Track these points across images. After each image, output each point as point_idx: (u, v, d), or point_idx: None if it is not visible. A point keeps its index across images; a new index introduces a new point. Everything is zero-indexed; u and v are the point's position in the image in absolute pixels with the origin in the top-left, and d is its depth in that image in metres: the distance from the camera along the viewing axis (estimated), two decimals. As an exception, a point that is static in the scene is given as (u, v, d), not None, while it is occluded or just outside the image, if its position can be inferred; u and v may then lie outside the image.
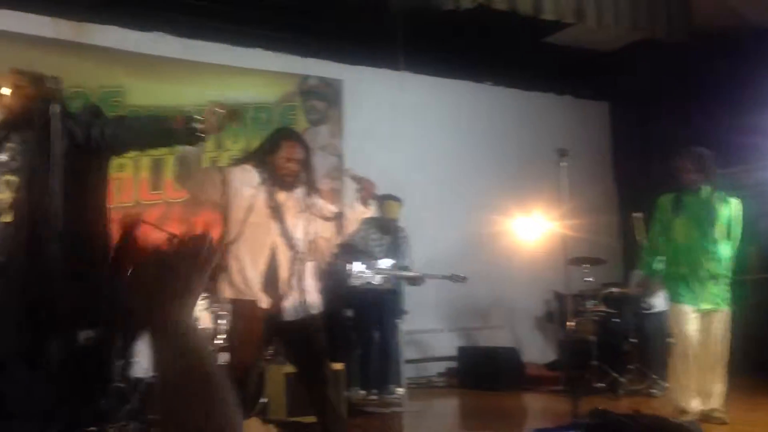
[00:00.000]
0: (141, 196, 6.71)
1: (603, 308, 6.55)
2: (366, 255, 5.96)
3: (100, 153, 3.10)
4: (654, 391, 6.08)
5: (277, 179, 3.49)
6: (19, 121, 2.96)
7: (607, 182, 9.17)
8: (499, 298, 7.92)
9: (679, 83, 8.23)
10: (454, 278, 5.93)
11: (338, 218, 3.69)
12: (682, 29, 7.56)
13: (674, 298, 4.81)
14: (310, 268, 3.57)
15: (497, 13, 7.06)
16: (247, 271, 3.41)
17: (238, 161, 3.65)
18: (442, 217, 7.69)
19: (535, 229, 6.96)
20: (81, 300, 2.86)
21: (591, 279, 6.55)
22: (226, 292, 3.48)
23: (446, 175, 7.99)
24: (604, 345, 6.30)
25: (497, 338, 7.68)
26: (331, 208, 3.73)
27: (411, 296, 6.36)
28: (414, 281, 6.08)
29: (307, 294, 3.50)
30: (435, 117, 8.23)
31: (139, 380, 4.30)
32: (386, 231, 6.20)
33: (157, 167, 6.79)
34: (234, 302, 3.49)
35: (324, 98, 7.84)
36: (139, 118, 3.44)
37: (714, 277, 4.71)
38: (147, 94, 6.82)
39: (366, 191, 3.72)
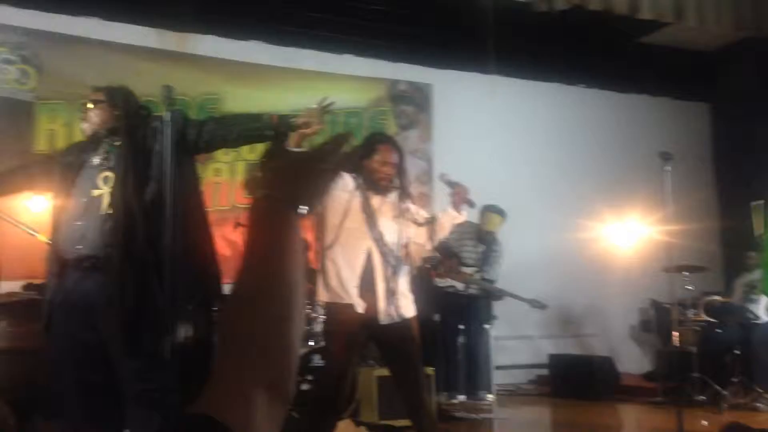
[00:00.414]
0: (236, 199, 6.91)
1: (704, 318, 6.30)
2: (457, 258, 5.95)
3: (196, 151, 3.19)
4: (760, 405, 5.81)
5: (371, 183, 3.51)
6: (111, 130, 3.10)
7: (707, 187, 8.81)
8: (592, 306, 7.75)
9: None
10: (534, 304, 5.80)
11: (430, 223, 3.70)
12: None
13: None
14: (404, 273, 3.58)
15: (592, 14, 6.93)
16: (342, 274, 3.45)
17: None
18: (532, 221, 7.57)
19: (630, 234, 6.78)
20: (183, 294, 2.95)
21: (691, 287, 6.31)
22: (322, 295, 3.53)
23: (537, 179, 7.87)
24: (706, 356, 6.05)
25: (590, 346, 7.52)
26: (423, 213, 3.75)
27: (501, 302, 6.30)
28: (493, 296, 6.01)
29: (401, 298, 3.51)
30: (526, 120, 8.12)
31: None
32: (482, 240, 6.17)
33: (252, 171, 6.99)
34: (330, 305, 3.53)
35: (413, 103, 7.88)
36: (233, 116, 3.55)
37: None
38: (244, 100, 7.02)
39: (459, 196, 3.71)
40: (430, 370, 5.06)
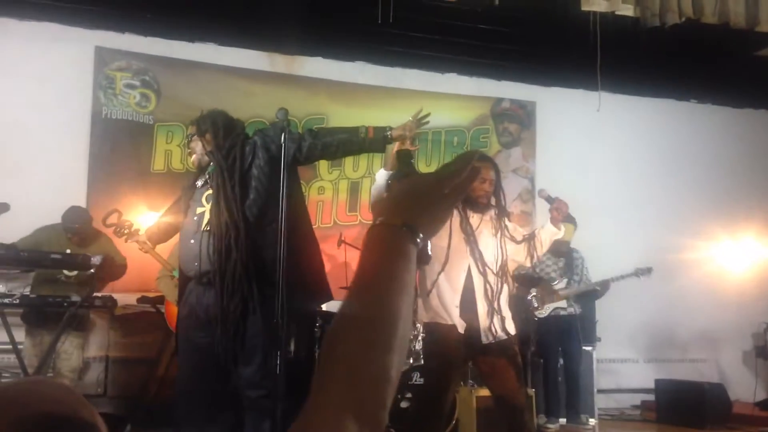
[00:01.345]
0: (338, 217, 7.09)
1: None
2: (544, 280, 5.90)
3: (296, 164, 3.31)
4: None
5: (470, 202, 3.55)
6: (209, 153, 3.28)
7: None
8: (701, 329, 7.45)
9: None
10: (638, 272, 5.68)
11: (528, 241, 3.70)
12: None
13: None
14: (504, 292, 3.59)
15: (705, 27, 6.71)
16: (444, 294, 3.49)
17: None
18: (637, 240, 7.38)
19: (745, 255, 6.51)
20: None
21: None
22: (423, 315, 3.58)
23: (643, 197, 7.67)
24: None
25: (698, 372, 7.22)
26: (521, 231, 3.76)
27: (606, 324, 6.19)
28: (594, 292, 5.90)
29: (501, 317, 3.52)
30: (631, 137, 7.95)
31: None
32: (559, 254, 6.07)
33: (354, 190, 7.16)
34: (431, 325, 3.56)
35: (517, 120, 7.86)
36: (330, 129, 3.67)
37: None
38: (348, 120, 7.18)
39: (557, 211, 3.71)
40: (530, 392, 5.05)
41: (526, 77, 7.76)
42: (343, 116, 7.20)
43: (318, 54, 7.18)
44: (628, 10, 6.44)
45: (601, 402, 6.10)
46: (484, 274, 3.51)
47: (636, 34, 6.87)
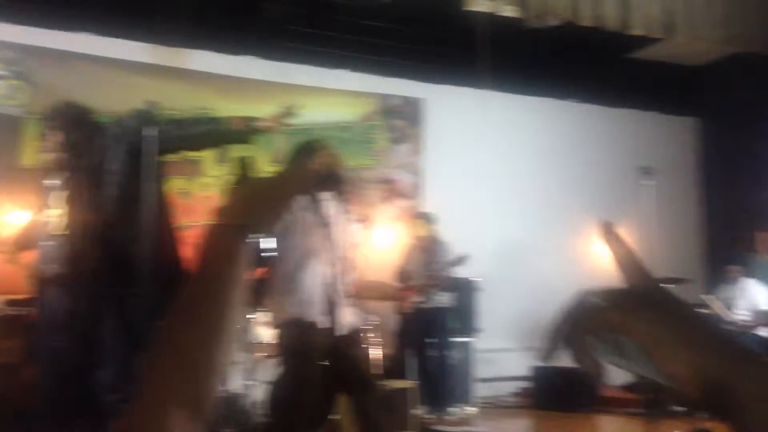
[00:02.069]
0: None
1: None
2: (408, 275, 6.04)
3: (159, 156, 3.18)
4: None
5: (324, 192, 3.58)
6: (66, 149, 3.18)
7: (694, 200, 8.88)
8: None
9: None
10: (457, 261, 5.87)
11: (365, 226, 3.76)
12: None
13: None
14: (349, 282, 3.62)
15: (583, 30, 7.00)
16: (302, 290, 3.47)
17: None
18: (521, 235, 7.66)
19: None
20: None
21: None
22: (281, 312, 3.56)
23: (528, 194, 7.96)
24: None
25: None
26: (358, 226, 3.81)
27: (486, 315, 6.39)
28: (449, 286, 6.05)
29: (348, 308, 3.55)
30: (517, 135, 8.21)
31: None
32: (422, 249, 6.21)
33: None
34: (289, 322, 3.52)
35: (405, 117, 7.98)
36: (194, 118, 3.60)
37: None
38: (236, 115, 7.13)
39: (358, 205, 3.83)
40: (411, 384, 5.16)
41: (414, 74, 7.88)
42: (231, 111, 7.07)
43: (205, 47, 7.06)
44: (509, 11, 6.63)
45: (482, 391, 6.29)
46: (337, 266, 3.54)
47: (520, 34, 7.11)
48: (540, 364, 6.66)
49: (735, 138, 8.40)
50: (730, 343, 0.57)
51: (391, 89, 7.90)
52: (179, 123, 3.25)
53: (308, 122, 7.40)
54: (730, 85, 8.41)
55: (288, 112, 3.25)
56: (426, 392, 5.59)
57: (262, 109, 7.08)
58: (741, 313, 6.56)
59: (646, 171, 5.59)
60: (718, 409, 0.55)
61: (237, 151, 3.33)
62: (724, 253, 7.64)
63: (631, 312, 0.59)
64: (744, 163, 8.21)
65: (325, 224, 3.54)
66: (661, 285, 0.60)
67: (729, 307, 6.60)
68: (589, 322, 0.59)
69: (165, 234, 3.20)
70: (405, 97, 7.97)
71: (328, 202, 3.59)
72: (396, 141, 7.91)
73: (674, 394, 0.55)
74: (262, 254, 0.99)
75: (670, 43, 7.51)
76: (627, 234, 0.65)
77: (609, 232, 0.63)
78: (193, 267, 0.95)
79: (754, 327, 6.46)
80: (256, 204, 1.00)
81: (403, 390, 4.92)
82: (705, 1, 7.08)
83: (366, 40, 7.46)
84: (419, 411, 5.34)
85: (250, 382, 4.76)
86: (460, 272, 6.18)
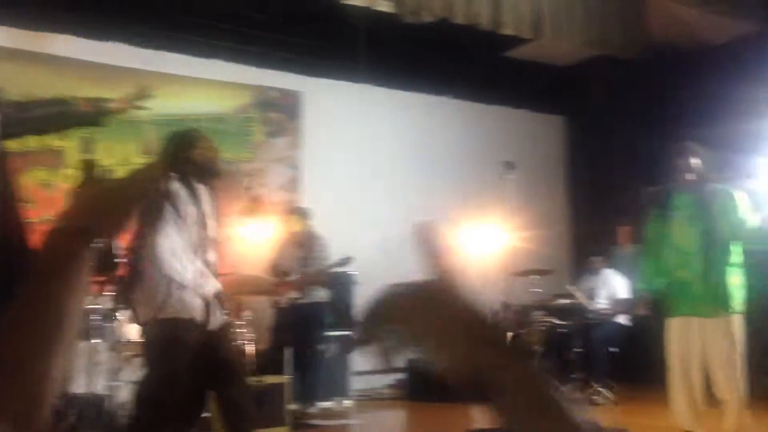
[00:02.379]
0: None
1: (550, 318, 6.67)
2: (281, 270, 5.99)
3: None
4: (596, 398, 6.22)
5: (191, 181, 3.55)
6: None
7: (560, 195, 9.31)
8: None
9: (635, 98, 8.38)
10: (342, 262, 5.93)
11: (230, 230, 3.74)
12: (637, 45, 7.72)
13: (668, 308, 4.28)
14: (216, 278, 3.58)
15: (458, 28, 7.15)
16: (172, 284, 3.39)
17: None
18: (394, 228, 7.75)
19: (486, 241, 7.06)
20: None
21: (539, 290, 6.66)
22: (153, 312, 3.43)
23: (400, 187, 8.07)
24: (550, 354, 6.41)
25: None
26: (233, 219, 3.80)
27: (361, 309, 6.42)
28: (327, 280, 6.06)
29: (216, 301, 3.52)
30: (394, 130, 8.31)
31: (74, 397, 4.32)
32: (297, 243, 6.14)
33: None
34: (166, 321, 3.42)
35: (283, 110, 7.88)
36: (38, 100, 3.39)
37: (715, 279, 4.11)
38: (84, 96, 6.79)
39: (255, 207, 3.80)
40: (286, 379, 5.12)
41: (292, 67, 7.81)
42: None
43: (69, 31, 6.68)
44: (385, 6, 6.68)
45: (358, 384, 6.33)
46: (209, 260, 3.51)
47: (397, 29, 7.18)
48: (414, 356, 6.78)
49: (597, 136, 8.87)
50: (496, 337, 0.62)
51: (268, 81, 7.78)
52: (22, 105, 3.04)
53: (181, 113, 7.20)
54: (593, 86, 8.88)
55: (140, 94, 3.11)
56: (302, 387, 5.56)
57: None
58: (602, 302, 6.93)
59: (509, 166, 5.78)
60: (482, 396, 0.60)
61: (88, 133, 3.15)
62: (588, 245, 8.06)
63: (414, 303, 0.63)
64: (606, 160, 8.68)
65: (198, 217, 3.47)
66: (451, 281, 0.65)
67: (591, 297, 6.95)
68: (383, 312, 0.63)
69: (10, 227, 2.98)
70: (282, 90, 7.88)
71: (203, 195, 3.53)
72: (273, 134, 7.81)
73: (446, 379, 0.60)
74: (115, 257, 0.99)
75: (539, 43, 7.81)
76: (450, 232, 0.69)
77: (422, 231, 0.67)
78: (33, 271, 0.92)
79: (614, 315, 6.85)
80: (99, 208, 0.98)
81: (278, 385, 4.88)
82: (568, 4, 7.39)
83: (242, 31, 7.32)
84: (294, 406, 5.32)
85: (115, 383, 4.57)
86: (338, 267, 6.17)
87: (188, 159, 3.53)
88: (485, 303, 0.66)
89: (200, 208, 3.50)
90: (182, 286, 3.38)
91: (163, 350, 3.43)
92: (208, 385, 3.54)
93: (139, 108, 3.04)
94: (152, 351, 3.46)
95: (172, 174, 3.46)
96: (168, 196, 3.39)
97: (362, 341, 0.63)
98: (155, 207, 3.35)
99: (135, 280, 3.42)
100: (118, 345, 4.71)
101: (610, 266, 7.25)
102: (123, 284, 3.48)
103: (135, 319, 3.59)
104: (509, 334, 5.54)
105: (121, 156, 6.85)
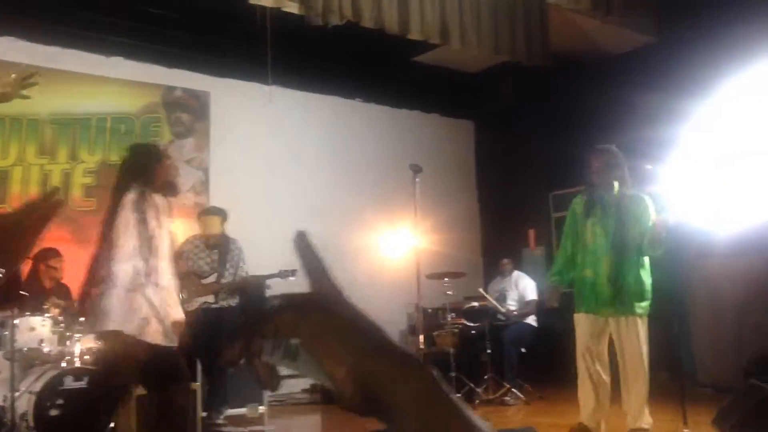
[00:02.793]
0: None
1: (462, 321, 6.74)
2: (195, 275, 5.77)
3: None
4: (508, 399, 6.32)
5: (150, 196, 3.64)
6: None
7: (470, 198, 9.47)
8: (364, 311, 7.97)
9: (542, 104, 8.63)
10: (283, 274, 5.81)
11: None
12: (541, 54, 7.94)
13: (576, 306, 4.37)
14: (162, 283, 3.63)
15: (367, 31, 7.15)
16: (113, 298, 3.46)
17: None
18: (308, 229, 7.67)
19: (398, 244, 7.09)
20: None
21: (451, 292, 6.73)
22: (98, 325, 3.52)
23: (309, 190, 8.00)
24: (462, 356, 6.49)
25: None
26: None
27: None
28: (248, 289, 5.92)
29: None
30: (303, 132, 8.24)
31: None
32: (213, 246, 5.93)
33: (2, 179, 6.41)
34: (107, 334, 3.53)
35: (190, 110, 7.67)
36: None
37: (623, 280, 4.22)
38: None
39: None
40: (196, 386, 4.96)
41: (199, 67, 7.61)
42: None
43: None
44: (292, 8, 6.60)
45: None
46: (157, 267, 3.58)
47: (305, 31, 7.11)
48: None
49: (506, 141, 9.09)
50: (390, 349, 0.59)
51: (173, 81, 7.55)
52: None
53: (79, 112, 6.88)
54: (501, 92, 9.08)
55: (22, 80, 2.95)
56: (214, 393, 5.40)
57: (33, 100, 6.53)
58: (512, 304, 7.07)
59: (417, 169, 5.84)
60: (375, 412, 0.57)
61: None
62: (498, 248, 8.23)
63: (299, 314, 0.59)
64: (514, 165, 8.90)
65: (157, 230, 3.58)
66: (336, 291, 0.62)
67: (502, 299, 7.08)
68: (262, 323, 0.59)
69: None
70: (188, 90, 7.66)
71: (157, 207, 3.61)
72: (180, 135, 7.58)
73: (335, 395, 0.56)
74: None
75: (447, 49, 7.92)
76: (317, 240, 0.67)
77: (300, 241, 0.64)
78: None
79: (524, 316, 7.00)
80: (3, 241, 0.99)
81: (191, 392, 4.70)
82: (474, 12, 7.53)
83: (146, 28, 7.08)
84: (204, 413, 5.16)
85: (13, 393, 4.31)
86: (247, 269, 6.02)
87: (152, 173, 3.66)
88: (370, 312, 0.63)
89: (159, 221, 3.59)
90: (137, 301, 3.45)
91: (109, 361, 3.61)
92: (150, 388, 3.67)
93: (24, 97, 2.86)
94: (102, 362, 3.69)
95: (135, 187, 3.57)
96: (134, 210, 3.50)
97: (238, 356, 0.57)
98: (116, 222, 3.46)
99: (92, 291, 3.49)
100: (15, 354, 4.43)
101: (519, 268, 7.41)
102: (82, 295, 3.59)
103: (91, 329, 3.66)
104: (421, 338, 5.57)
105: (17, 156, 6.49)
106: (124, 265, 3.43)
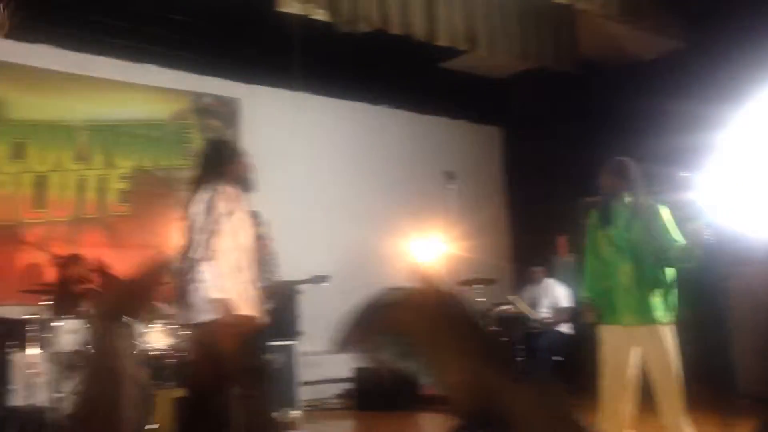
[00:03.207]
0: (24, 214, 6.36)
1: (492, 328, 6.70)
2: None
3: None
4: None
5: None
6: None
7: (499, 205, 9.45)
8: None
9: (569, 110, 8.61)
10: (315, 280, 5.88)
11: None
12: (569, 59, 7.94)
13: (601, 317, 4.29)
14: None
15: (394, 38, 7.18)
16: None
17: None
18: (333, 237, 7.72)
19: (429, 250, 7.08)
20: None
21: (483, 299, 6.70)
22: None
23: (339, 196, 8.03)
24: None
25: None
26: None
27: (306, 318, 6.32)
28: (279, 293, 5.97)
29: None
30: (331, 138, 8.27)
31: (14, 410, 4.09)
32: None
33: (41, 184, 6.48)
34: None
35: (220, 117, 7.72)
36: None
37: (642, 290, 4.15)
38: (33, 108, 6.53)
39: None
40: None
41: (229, 74, 7.67)
42: (27, 104, 6.52)
43: (-7, 33, 6.37)
44: (321, 15, 6.65)
45: (305, 394, 6.22)
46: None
47: (334, 38, 7.15)
48: (361, 365, 6.71)
49: (534, 147, 9.05)
50: (507, 361, 0.59)
51: (204, 88, 7.62)
52: None
53: (114, 118, 6.96)
54: (528, 97, 9.07)
55: None
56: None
57: (61, 102, 6.63)
58: (544, 312, 7.04)
59: (450, 175, 5.81)
60: (483, 423, 0.57)
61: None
62: (527, 255, 8.19)
63: (417, 313, 0.59)
64: (542, 170, 8.86)
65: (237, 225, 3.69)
66: (454, 295, 0.62)
67: (533, 306, 7.05)
68: (379, 319, 0.59)
69: None
70: (219, 97, 7.72)
71: (233, 201, 3.70)
72: (211, 141, 7.62)
73: (448, 402, 0.56)
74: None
75: (474, 55, 7.93)
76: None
77: (418, 271, 0.64)
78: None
79: (556, 324, 6.96)
80: (123, 300, 1.20)
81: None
82: (502, 18, 7.54)
83: (177, 36, 7.15)
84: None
85: (56, 395, 4.35)
86: (282, 276, 6.04)
87: (229, 168, 3.80)
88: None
89: (235, 215, 3.68)
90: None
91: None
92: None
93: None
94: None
95: (212, 181, 3.66)
96: (211, 203, 3.59)
97: (348, 344, 0.58)
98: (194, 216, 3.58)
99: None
100: (57, 355, 4.48)
101: (550, 276, 7.37)
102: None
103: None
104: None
105: (54, 162, 6.56)
106: (207, 257, 3.51)
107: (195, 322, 3.53)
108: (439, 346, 0.59)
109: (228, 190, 3.68)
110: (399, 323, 0.63)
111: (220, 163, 3.79)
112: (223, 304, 3.47)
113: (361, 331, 0.70)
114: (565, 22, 7.88)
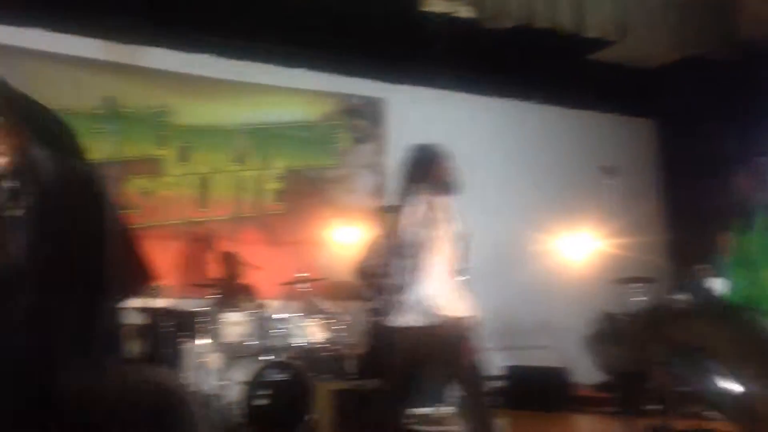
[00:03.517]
0: (189, 214, 6.77)
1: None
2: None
3: None
4: (705, 413, 5.92)
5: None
6: None
7: (653, 200, 9.02)
8: (544, 318, 7.80)
9: (729, 100, 8.08)
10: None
11: None
12: (731, 46, 7.47)
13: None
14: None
15: (540, 32, 7.04)
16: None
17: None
18: (485, 235, 7.62)
19: (582, 247, 6.86)
20: None
21: (642, 298, 6.40)
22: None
23: (490, 194, 7.94)
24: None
25: (543, 358, 7.54)
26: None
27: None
28: None
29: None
30: (478, 135, 8.19)
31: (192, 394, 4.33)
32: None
33: (203, 185, 6.86)
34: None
35: (367, 117, 7.87)
36: None
37: None
38: (194, 114, 6.92)
39: None
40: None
41: (374, 74, 7.79)
42: (189, 110, 6.92)
43: (160, 44, 6.82)
44: (465, 12, 6.61)
45: (456, 391, 6.18)
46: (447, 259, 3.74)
47: (479, 34, 7.10)
48: (513, 363, 6.61)
49: (689, 140, 8.56)
50: None
51: (351, 89, 7.79)
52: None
53: (267, 121, 7.27)
54: (683, 88, 8.58)
55: None
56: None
57: (221, 108, 7.00)
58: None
59: (609, 170, 5.58)
60: None
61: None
62: (685, 253, 7.75)
63: (712, 323, 0.51)
64: (698, 165, 8.36)
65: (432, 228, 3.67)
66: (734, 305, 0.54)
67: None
68: (670, 328, 0.51)
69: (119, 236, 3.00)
70: (365, 97, 7.87)
71: (437, 206, 3.69)
72: (359, 141, 7.80)
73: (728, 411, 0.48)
74: None
75: (624, 45, 7.62)
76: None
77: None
78: None
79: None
80: None
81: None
82: (656, 5, 7.20)
83: (325, 39, 7.34)
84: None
85: (223, 383, 4.58)
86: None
87: (431, 172, 3.79)
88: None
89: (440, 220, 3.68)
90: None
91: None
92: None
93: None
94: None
95: (416, 186, 3.70)
96: (415, 209, 3.63)
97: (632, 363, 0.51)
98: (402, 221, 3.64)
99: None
100: (224, 345, 4.72)
101: (714, 275, 6.93)
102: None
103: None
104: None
105: (213, 165, 6.94)
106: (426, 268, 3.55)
107: (409, 325, 3.58)
108: (735, 357, 0.53)
109: (440, 198, 3.67)
110: (689, 334, 0.59)
111: (427, 170, 3.77)
112: (443, 309, 3.52)
113: (644, 339, 0.65)
114: (725, 3, 7.41)
